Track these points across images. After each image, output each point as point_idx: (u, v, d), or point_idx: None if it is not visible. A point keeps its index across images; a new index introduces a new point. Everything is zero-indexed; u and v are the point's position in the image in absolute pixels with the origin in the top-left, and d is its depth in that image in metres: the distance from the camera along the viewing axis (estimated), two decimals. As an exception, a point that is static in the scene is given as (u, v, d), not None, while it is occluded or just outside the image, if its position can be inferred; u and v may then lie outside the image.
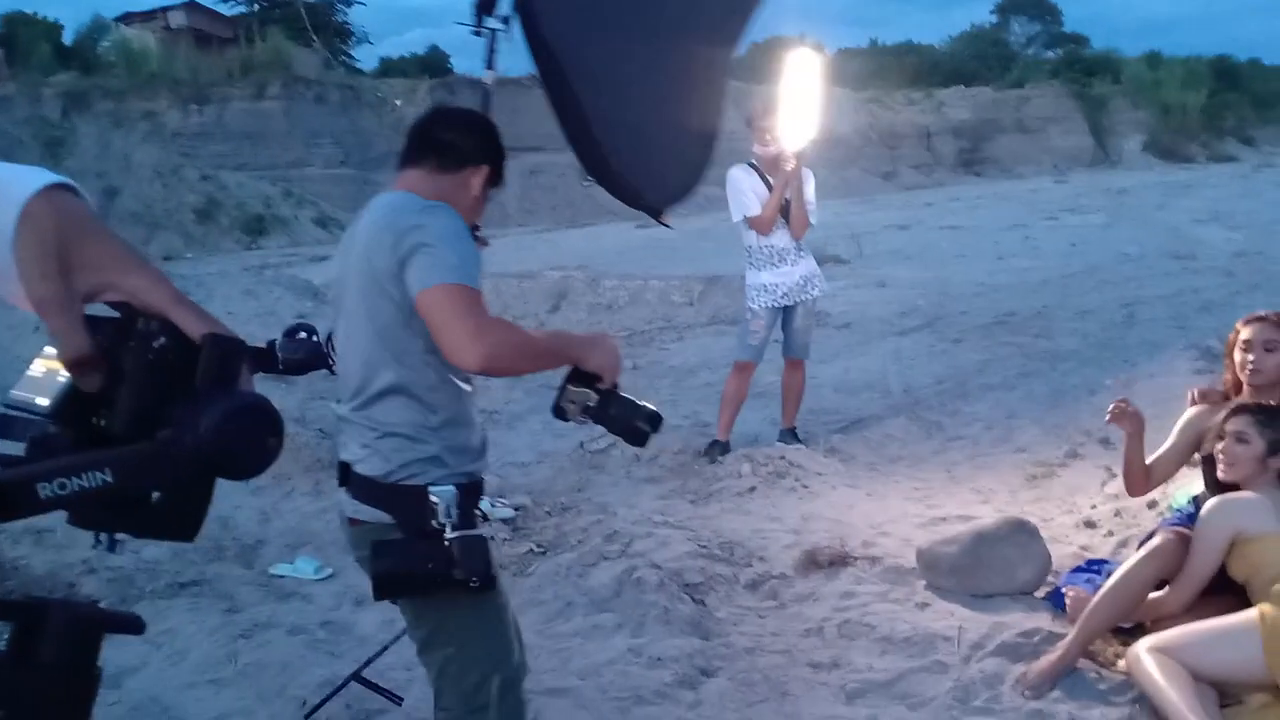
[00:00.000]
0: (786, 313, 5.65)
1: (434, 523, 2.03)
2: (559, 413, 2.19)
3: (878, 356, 8.01)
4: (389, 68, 37.49)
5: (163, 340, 0.84)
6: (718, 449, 5.55)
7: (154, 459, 0.81)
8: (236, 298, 12.03)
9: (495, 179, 2.25)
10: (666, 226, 3.36)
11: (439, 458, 2.12)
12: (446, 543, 2.00)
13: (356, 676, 2.91)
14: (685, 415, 6.66)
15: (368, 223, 2.15)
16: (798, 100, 5.39)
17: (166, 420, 0.82)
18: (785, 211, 5.48)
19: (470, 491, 2.15)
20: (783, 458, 5.26)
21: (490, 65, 3.12)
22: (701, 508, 4.85)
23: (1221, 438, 3.07)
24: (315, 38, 30.04)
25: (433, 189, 2.15)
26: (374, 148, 25.89)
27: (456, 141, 2.21)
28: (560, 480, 5.47)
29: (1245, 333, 3.37)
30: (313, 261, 17.08)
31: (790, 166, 5.37)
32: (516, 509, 4.76)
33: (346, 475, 2.18)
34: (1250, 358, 3.31)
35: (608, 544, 4.16)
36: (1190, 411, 3.51)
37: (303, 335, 3.24)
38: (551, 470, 5.69)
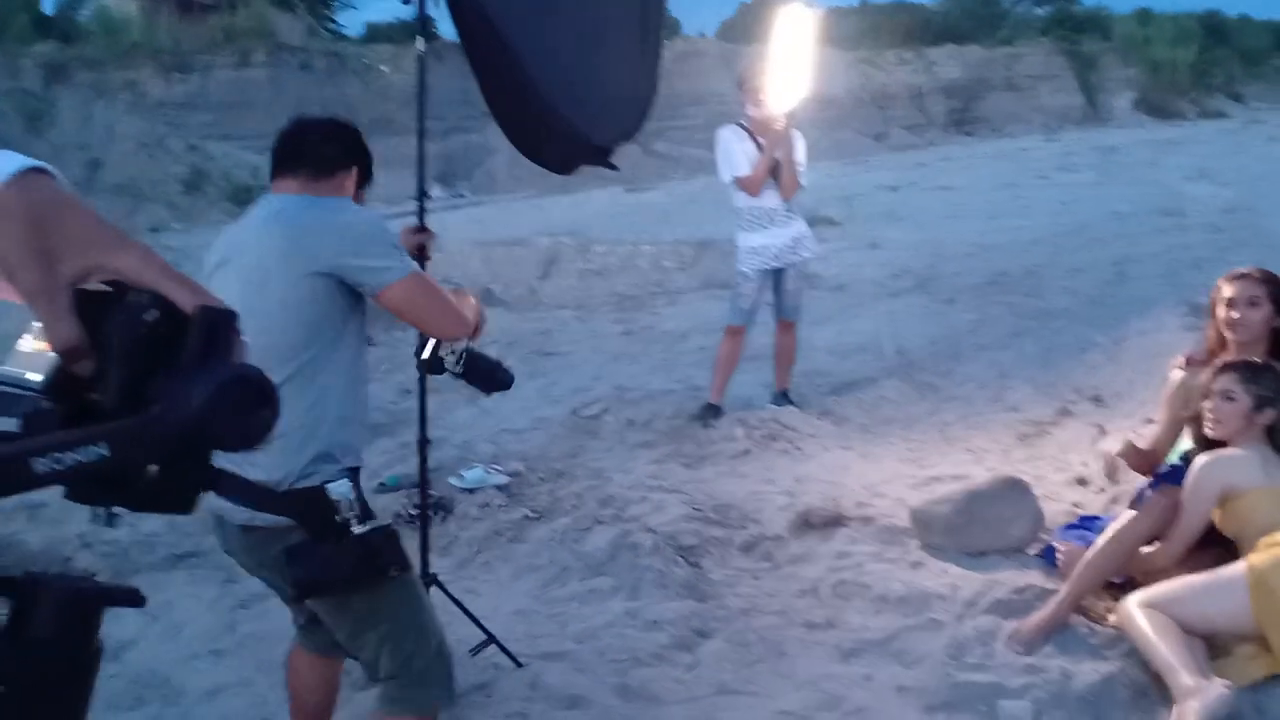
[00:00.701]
0: (777, 275, 5.64)
1: (338, 520, 1.98)
2: (436, 366, 2.49)
3: (870, 318, 8.01)
4: (375, 33, 37.07)
5: (154, 313, 0.84)
6: (711, 413, 5.56)
7: (146, 433, 0.81)
8: (225, 269, 11.99)
9: (365, 178, 2.43)
10: (613, 169, 3.36)
11: (329, 454, 2.16)
12: (357, 537, 1.97)
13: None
14: (678, 380, 6.67)
15: (272, 220, 2.22)
16: (789, 60, 5.35)
17: (159, 394, 0.82)
18: (775, 173, 5.46)
19: (357, 479, 2.17)
20: (776, 420, 5.28)
21: (423, 33, 3.12)
22: (695, 471, 4.87)
23: (1208, 396, 3.09)
24: (299, 3, 29.66)
25: (314, 194, 2.29)
26: (361, 115, 25.51)
27: (324, 149, 2.35)
28: (554, 446, 5.48)
29: (1228, 289, 3.38)
30: (301, 231, 17.00)
31: (779, 127, 5.35)
32: (511, 475, 4.77)
33: (226, 482, 2.13)
34: (1234, 313, 3.32)
35: (602, 509, 4.18)
36: (1174, 378, 3.52)
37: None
38: (545, 437, 5.70)
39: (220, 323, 0.85)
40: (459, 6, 2.97)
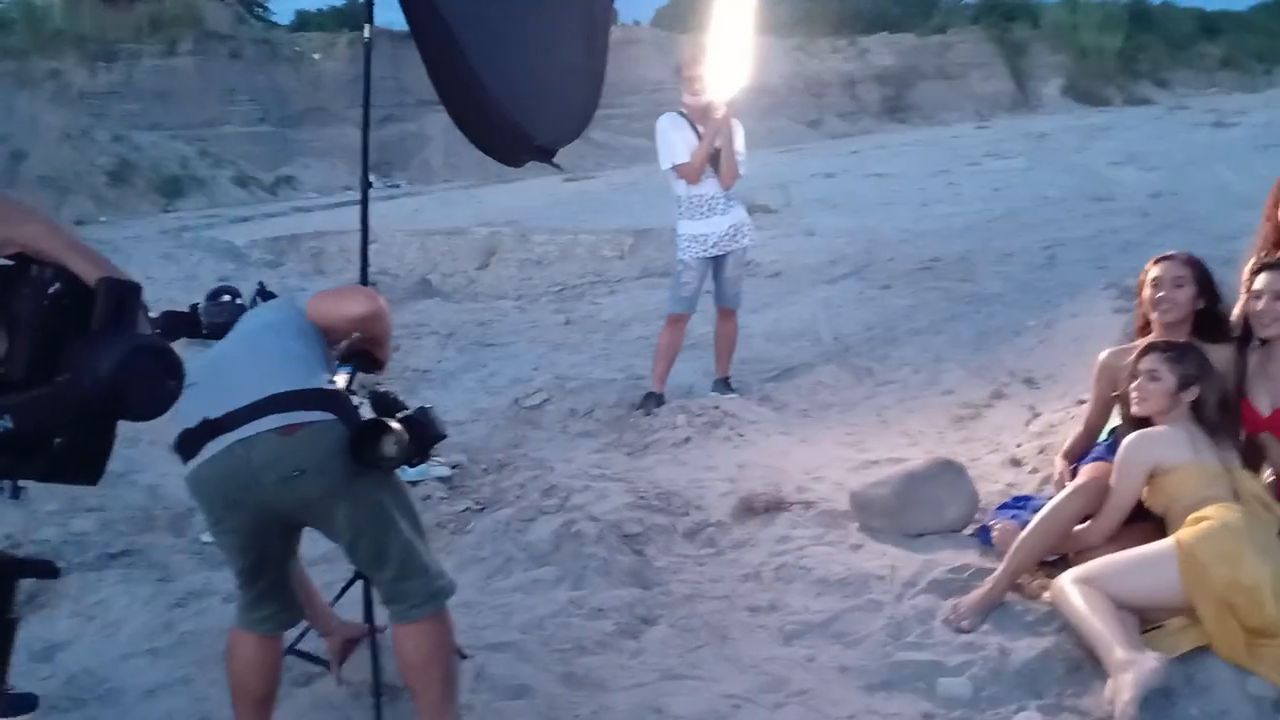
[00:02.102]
0: (717, 263, 5.67)
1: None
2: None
3: (808, 304, 8.09)
4: (306, 20, 36.44)
5: (57, 286, 0.83)
6: (653, 401, 5.58)
7: (53, 403, 0.80)
8: (155, 262, 11.73)
9: None
10: (557, 168, 3.36)
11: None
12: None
13: (292, 650, 2.90)
14: (620, 369, 6.68)
15: None
16: (727, 48, 5.37)
17: (65, 365, 0.81)
18: (714, 161, 5.48)
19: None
20: (717, 407, 5.31)
21: (370, 19, 3.09)
22: (638, 459, 4.89)
23: (1135, 376, 3.17)
24: (227, -9, 29.00)
25: None
26: (293, 104, 25.25)
27: None
28: (496, 437, 5.46)
29: (1154, 271, 3.47)
30: (233, 223, 16.70)
31: (719, 115, 5.36)
32: (453, 467, 4.74)
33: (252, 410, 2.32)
34: (1160, 294, 3.41)
35: (545, 499, 4.18)
36: (1100, 359, 3.60)
37: (226, 298, 3.18)
38: (487, 428, 5.68)
39: (125, 294, 0.85)
40: (413, 5, 2.93)
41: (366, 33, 3.10)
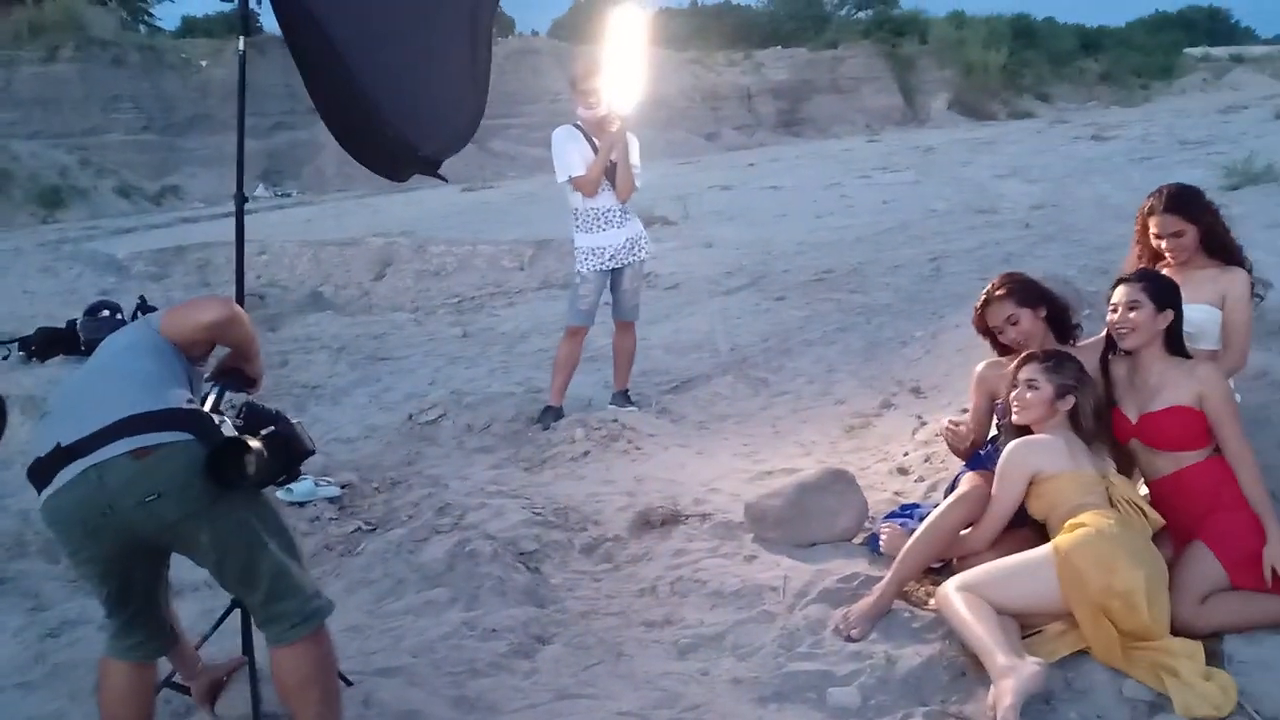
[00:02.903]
0: (615, 275, 5.68)
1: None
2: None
3: (705, 316, 8.17)
4: (193, 26, 35.36)
5: None
6: (551, 415, 5.55)
7: None
8: (33, 275, 11.25)
9: None
10: (442, 179, 3.34)
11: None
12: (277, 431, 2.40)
13: (167, 683, 2.79)
14: (518, 382, 6.63)
15: None
16: (622, 61, 5.39)
17: None
18: (611, 174, 5.49)
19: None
20: (615, 420, 5.31)
21: (246, 31, 3.03)
22: (535, 475, 4.86)
23: (1015, 386, 3.28)
24: (110, -5, 28.00)
25: None
26: (179, 112, 24.46)
27: None
28: (389, 455, 5.37)
29: (989, 318, 3.57)
30: (116, 234, 16.08)
31: (615, 128, 5.38)
32: (343, 487, 4.64)
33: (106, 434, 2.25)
34: (1007, 338, 3.54)
35: (439, 517, 4.12)
36: (977, 370, 3.71)
37: (106, 313, 3.06)
38: (379, 445, 5.57)
39: None
40: (290, 17, 2.87)
41: (240, 45, 3.02)
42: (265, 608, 2.39)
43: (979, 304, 3.62)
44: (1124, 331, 3.18)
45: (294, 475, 2.48)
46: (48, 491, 2.26)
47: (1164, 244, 3.52)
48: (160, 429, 2.25)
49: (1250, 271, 3.54)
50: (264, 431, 2.35)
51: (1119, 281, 3.28)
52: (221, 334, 2.58)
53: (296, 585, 2.40)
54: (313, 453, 2.45)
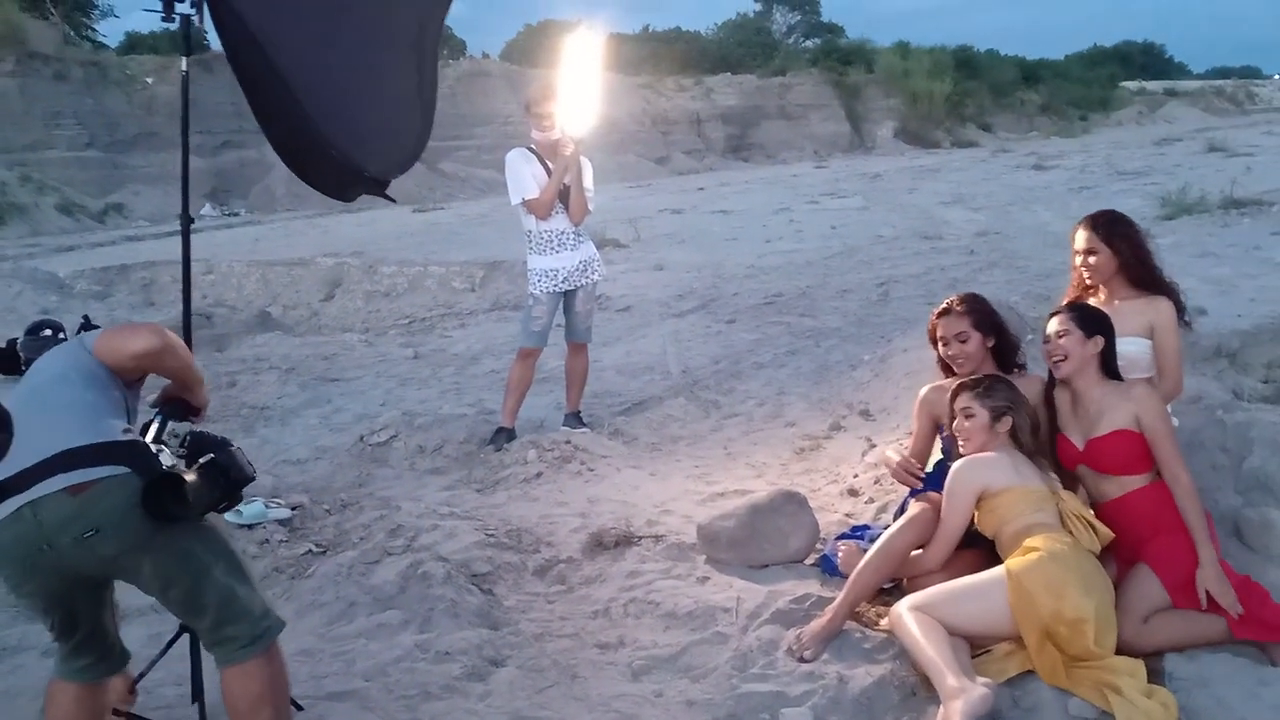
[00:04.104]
0: (568, 297, 5.70)
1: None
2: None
3: (657, 338, 8.21)
4: (137, 42, 34.89)
5: None
6: (503, 436, 5.54)
7: None
8: (-31, 294, 10.97)
9: None
10: (390, 200, 3.34)
11: None
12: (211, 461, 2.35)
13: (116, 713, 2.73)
14: (470, 404, 6.61)
15: None
16: (576, 86, 5.43)
17: None
18: (564, 197, 5.52)
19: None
20: (568, 442, 5.31)
21: (188, 51, 3.01)
22: (488, 496, 4.85)
23: (955, 417, 3.35)
24: (53, 10, 27.52)
25: None
26: (123, 129, 24.12)
27: None
28: (340, 476, 5.32)
29: (939, 328, 3.64)
30: (58, 252, 15.78)
31: (569, 151, 5.41)
32: (293, 509, 4.58)
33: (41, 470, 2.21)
34: (950, 351, 3.61)
35: (391, 539, 4.09)
36: (920, 394, 3.78)
37: (47, 333, 3.01)
38: (330, 466, 5.52)
39: None
40: (223, 22, 2.86)
41: (184, 65, 2.99)
42: (213, 632, 2.37)
43: (938, 310, 3.68)
44: (1057, 360, 3.29)
45: (235, 501, 2.44)
46: None
47: (1080, 262, 3.62)
48: (96, 463, 2.21)
49: (1177, 299, 3.60)
50: (201, 460, 2.32)
51: (1052, 314, 3.39)
52: (153, 364, 2.51)
53: (244, 608, 2.37)
54: (253, 479, 2.41)
